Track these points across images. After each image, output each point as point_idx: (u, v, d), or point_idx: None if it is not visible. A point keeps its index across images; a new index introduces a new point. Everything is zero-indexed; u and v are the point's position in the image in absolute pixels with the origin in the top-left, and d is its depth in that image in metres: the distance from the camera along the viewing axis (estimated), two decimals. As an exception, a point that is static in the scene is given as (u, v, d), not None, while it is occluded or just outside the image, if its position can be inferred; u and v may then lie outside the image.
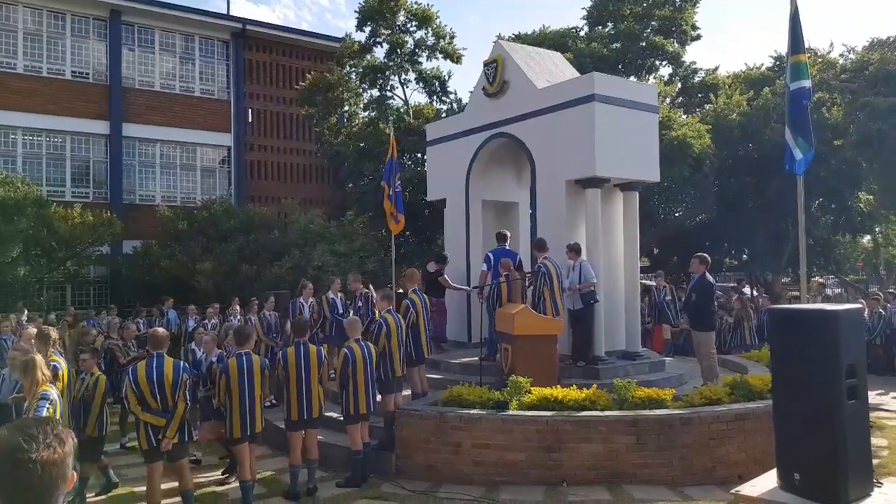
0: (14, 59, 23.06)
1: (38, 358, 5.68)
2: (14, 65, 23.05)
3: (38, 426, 1.85)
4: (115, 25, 24.67)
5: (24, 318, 14.48)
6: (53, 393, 5.59)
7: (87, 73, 24.46)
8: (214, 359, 8.91)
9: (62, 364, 6.62)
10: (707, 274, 10.26)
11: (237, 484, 7.52)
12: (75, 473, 1.89)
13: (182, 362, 6.95)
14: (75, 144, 24.13)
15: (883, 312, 15.98)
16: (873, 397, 10.95)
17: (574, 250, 10.46)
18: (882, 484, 5.19)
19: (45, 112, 23.15)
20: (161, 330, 7.06)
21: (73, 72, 24.18)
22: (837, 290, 32.04)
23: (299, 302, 12.26)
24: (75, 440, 1.92)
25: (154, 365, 6.56)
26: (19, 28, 23.13)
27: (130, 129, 24.79)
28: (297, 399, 7.70)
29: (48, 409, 5.45)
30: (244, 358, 7.22)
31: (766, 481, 5.38)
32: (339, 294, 12.56)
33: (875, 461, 6.83)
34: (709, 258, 10.50)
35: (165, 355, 6.69)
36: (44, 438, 1.81)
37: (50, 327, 7.44)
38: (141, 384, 6.45)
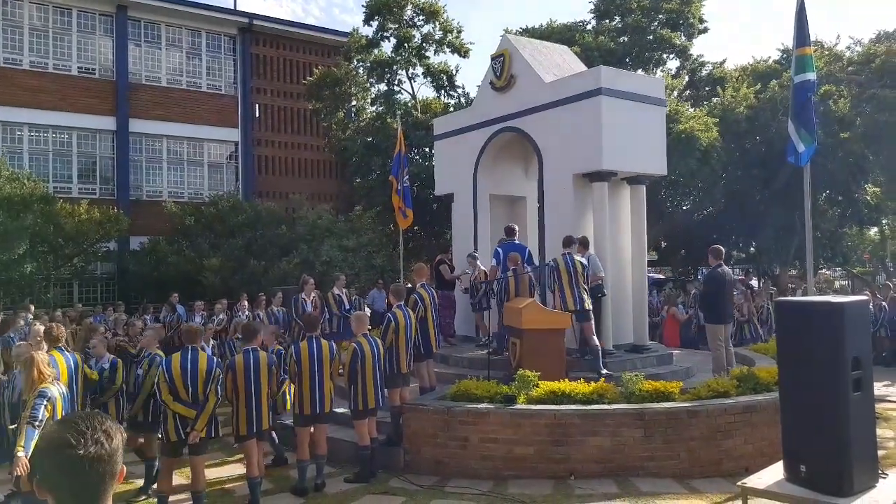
0: (20, 55, 23.12)
1: (39, 355, 5.66)
2: (20, 61, 23.11)
3: (87, 421, 1.84)
4: (121, 20, 24.70)
5: (30, 315, 14.48)
6: (53, 390, 5.54)
7: (94, 69, 24.51)
8: (106, 365, 8.35)
9: (60, 361, 6.55)
10: (722, 266, 10.30)
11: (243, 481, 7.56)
12: (125, 468, 1.90)
13: (215, 358, 7.02)
14: (82, 140, 24.20)
15: (884, 304, 16.12)
16: (879, 389, 10.94)
17: (582, 244, 10.47)
18: (888, 475, 5.22)
19: (52, 108, 23.20)
20: (194, 324, 7.17)
21: (79, 68, 24.23)
22: (844, 283, 32.00)
23: (301, 298, 12.31)
24: (124, 435, 1.92)
25: (189, 357, 6.67)
26: (25, 24, 23.17)
27: (137, 125, 24.85)
28: (310, 394, 7.74)
29: (46, 406, 5.40)
30: (251, 354, 7.25)
31: (773, 473, 5.41)
32: (345, 290, 12.62)
33: (881, 452, 6.85)
34: (721, 250, 10.53)
35: (199, 349, 6.78)
36: (92, 434, 1.81)
37: (54, 324, 7.40)
38: (174, 375, 6.55)
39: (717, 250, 10.37)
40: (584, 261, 10.19)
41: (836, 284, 33.84)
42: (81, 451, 1.77)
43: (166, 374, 6.59)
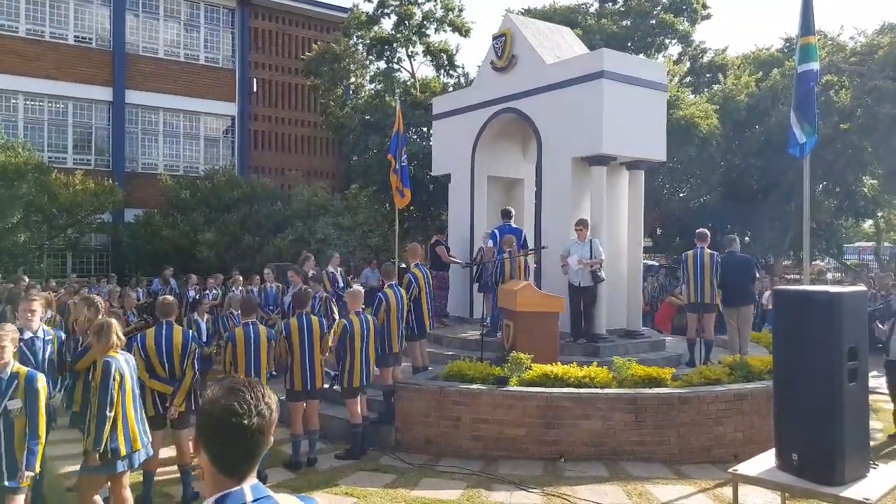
0: (17, 22, 22.86)
1: (114, 322, 5.57)
2: (16, 28, 22.86)
3: (251, 390, 1.90)
4: (119, -10, 24.43)
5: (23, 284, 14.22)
6: (120, 361, 5.44)
7: (91, 39, 24.26)
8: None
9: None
10: (737, 252, 10.78)
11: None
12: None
13: (190, 331, 6.93)
14: (77, 110, 24.01)
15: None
16: (870, 380, 10.98)
17: (585, 226, 10.40)
18: (878, 465, 5.23)
19: (48, 77, 23.01)
20: (169, 298, 7.00)
21: (76, 36, 23.98)
22: (838, 275, 32.12)
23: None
24: (278, 404, 1.98)
25: (163, 332, 6.56)
26: (22, -9, 22.90)
27: (133, 97, 24.66)
28: (301, 370, 7.74)
29: (114, 377, 5.32)
30: (251, 327, 7.27)
31: (764, 461, 5.41)
32: (339, 269, 12.59)
33: (871, 443, 6.86)
34: (736, 238, 11.14)
35: (174, 323, 6.68)
36: (256, 405, 1.87)
37: (92, 296, 7.23)
38: (149, 351, 6.46)
39: (733, 239, 10.95)
40: (715, 255, 10.57)
41: (829, 276, 33.99)
42: (246, 422, 1.84)
43: (141, 349, 6.47)
